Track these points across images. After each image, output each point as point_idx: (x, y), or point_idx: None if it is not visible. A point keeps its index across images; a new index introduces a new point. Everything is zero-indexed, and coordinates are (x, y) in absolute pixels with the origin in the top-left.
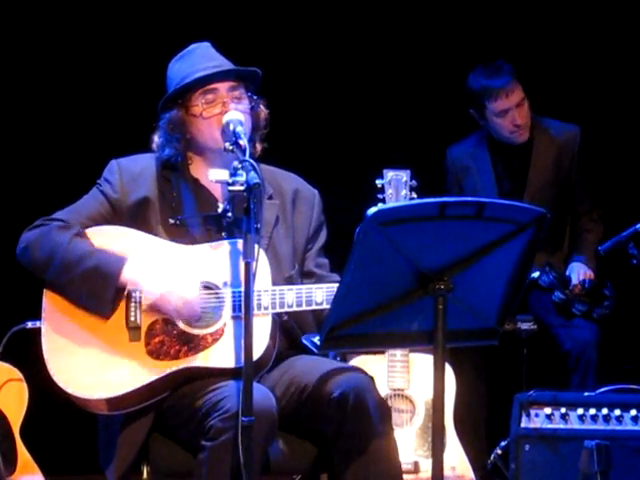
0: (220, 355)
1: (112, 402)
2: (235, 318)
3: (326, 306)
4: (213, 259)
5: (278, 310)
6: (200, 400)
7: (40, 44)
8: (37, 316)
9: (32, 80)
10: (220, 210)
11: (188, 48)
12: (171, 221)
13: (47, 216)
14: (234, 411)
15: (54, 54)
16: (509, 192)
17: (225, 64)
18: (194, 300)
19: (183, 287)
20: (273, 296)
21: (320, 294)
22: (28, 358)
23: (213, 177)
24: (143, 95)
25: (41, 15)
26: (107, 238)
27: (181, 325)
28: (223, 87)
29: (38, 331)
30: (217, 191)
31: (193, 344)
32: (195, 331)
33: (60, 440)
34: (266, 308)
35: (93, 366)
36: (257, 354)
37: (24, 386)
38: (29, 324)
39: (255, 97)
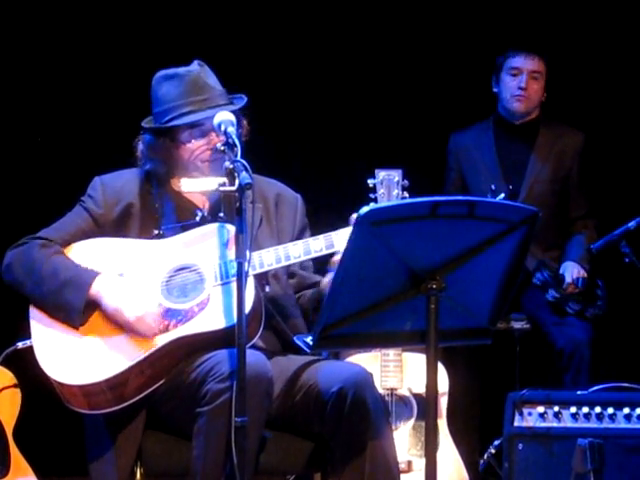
0: (209, 319)
1: (111, 382)
2: (217, 287)
3: (304, 257)
4: (188, 244)
5: (258, 270)
6: (193, 372)
7: (22, 59)
8: (27, 336)
9: (19, 96)
10: (198, 218)
11: (178, 70)
12: (155, 232)
13: (32, 234)
14: (230, 371)
15: (39, 69)
16: (510, 180)
17: (212, 96)
18: (145, 316)
19: (138, 303)
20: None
21: (296, 249)
22: (24, 373)
23: (185, 188)
24: (130, 112)
25: (21, 30)
26: (86, 250)
27: (167, 303)
28: (209, 122)
29: (29, 349)
30: (199, 200)
31: (181, 316)
32: (180, 306)
33: (53, 442)
34: (247, 272)
35: (86, 354)
36: (247, 311)
37: (17, 388)
38: (20, 344)
39: (243, 120)
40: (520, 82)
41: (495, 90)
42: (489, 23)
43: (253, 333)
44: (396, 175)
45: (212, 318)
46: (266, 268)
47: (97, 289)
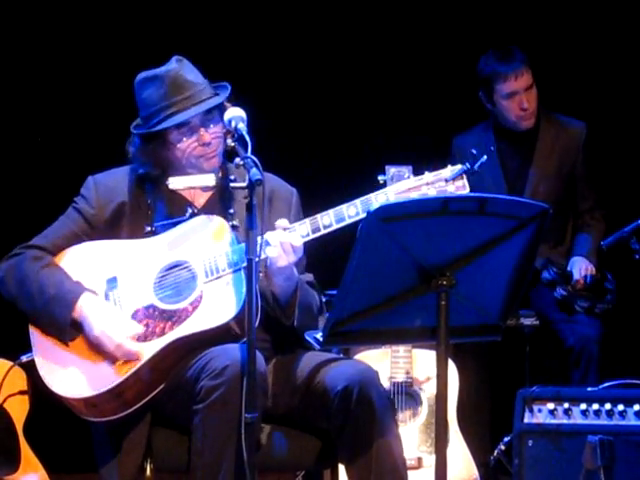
0: (203, 318)
1: (114, 392)
2: (209, 282)
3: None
4: (177, 241)
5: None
6: (190, 370)
7: (22, 60)
8: (29, 350)
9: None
10: (188, 214)
11: (157, 71)
12: (147, 229)
13: (25, 243)
14: (222, 367)
15: (35, 71)
16: (513, 181)
17: (196, 91)
18: (124, 343)
19: (116, 330)
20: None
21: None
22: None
23: (173, 186)
24: (130, 111)
25: (20, 31)
26: (78, 256)
27: (161, 305)
28: (196, 118)
29: (32, 362)
30: (192, 195)
31: (176, 317)
32: (175, 306)
33: (64, 438)
34: (236, 263)
35: (86, 367)
36: (237, 309)
37: (27, 384)
38: (23, 358)
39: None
40: (521, 103)
41: (489, 107)
42: (497, 21)
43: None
44: (406, 171)
45: (206, 316)
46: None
47: (77, 314)
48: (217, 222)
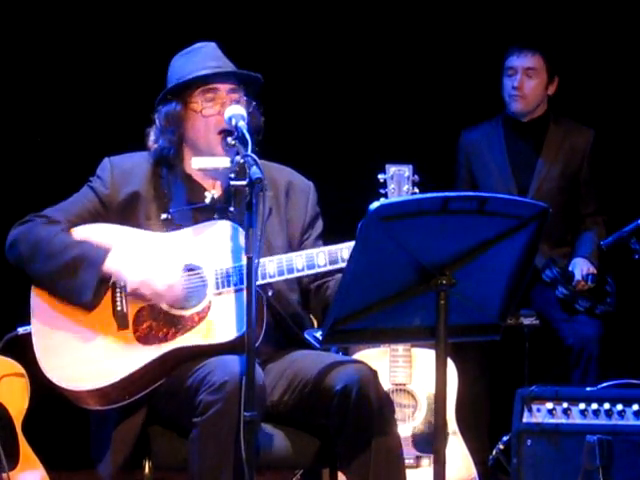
0: (208, 331)
1: (107, 391)
2: (218, 295)
3: (307, 272)
4: (194, 241)
5: (261, 282)
6: (190, 378)
7: (35, 43)
8: (28, 320)
9: (29, 79)
10: (208, 200)
11: (194, 46)
12: (163, 216)
13: (36, 213)
14: (221, 382)
15: (51, 54)
16: (520, 177)
17: (228, 66)
18: (176, 283)
19: (164, 272)
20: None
21: (300, 261)
22: (25, 358)
23: (196, 165)
24: (141, 95)
25: (34, 15)
26: (91, 235)
27: (167, 308)
28: (223, 88)
29: (30, 335)
30: (209, 184)
31: (181, 325)
32: (181, 312)
33: (62, 435)
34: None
35: (84, 358)
36: (242, 329)
37: (26, 381)
38: (20, 330)
39: (254, 102)
40: (514, 81)
41: (502, 92)
42: (501, 19)
43: (256, 337)
44: (406, 170)
45: (211, 331)
46: (268, 279)
47: (112, 265)
48: (235, 231)
